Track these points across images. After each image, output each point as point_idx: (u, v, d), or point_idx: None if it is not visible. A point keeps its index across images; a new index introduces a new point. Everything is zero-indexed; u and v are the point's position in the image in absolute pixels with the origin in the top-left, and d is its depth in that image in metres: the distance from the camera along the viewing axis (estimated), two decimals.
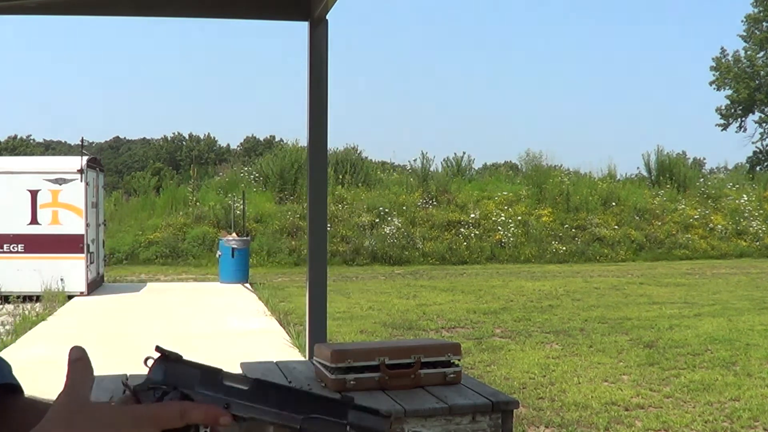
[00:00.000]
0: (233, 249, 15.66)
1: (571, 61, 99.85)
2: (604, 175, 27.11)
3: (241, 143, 63.61)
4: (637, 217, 23.74)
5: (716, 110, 40.08)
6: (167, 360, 0.79)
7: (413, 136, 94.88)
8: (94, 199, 14.32)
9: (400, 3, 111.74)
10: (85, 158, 13.81)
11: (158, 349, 0.80)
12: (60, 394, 0.75)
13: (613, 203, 24.07)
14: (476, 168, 30.99)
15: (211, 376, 0.79)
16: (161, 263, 19.91)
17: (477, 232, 22.28)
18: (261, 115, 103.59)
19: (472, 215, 22.91)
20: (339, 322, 10.33)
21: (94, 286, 14.22)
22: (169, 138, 64.45)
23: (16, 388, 1.05)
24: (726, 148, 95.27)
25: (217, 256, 16.30)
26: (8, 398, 1.03)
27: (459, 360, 3.38)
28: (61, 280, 13.21)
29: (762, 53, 38.57)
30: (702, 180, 27.05)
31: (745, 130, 40.03)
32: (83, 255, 13.50)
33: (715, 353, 8.45)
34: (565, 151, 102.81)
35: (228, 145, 63.53)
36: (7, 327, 10.22)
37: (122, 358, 8.27)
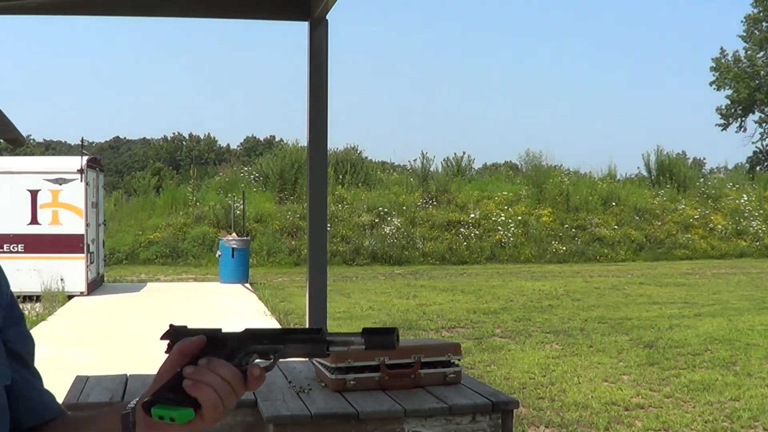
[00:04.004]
0: (233, 249, 15.66)
1: (571, 61, 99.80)
2: (604, 175, 27.11)
3: (241, 143, 63.57)
4: (637, 217, 23.73)
5: (716, 110, 40.03)
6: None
7: (413, 136, 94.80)
8: (94, 199, 14.32)
9: (400, 3, 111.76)
10: (85, 158, 13.81)
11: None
12: None
13: (613, 203, 24.07)
14: (476, 168, 30.97)
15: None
16: (161, 263, 19.91)
17: (477, 232, 22.28)
18: (261, 115, 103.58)
19: (472, 215, 22.91)
20: (339, 322, 10.33)
21: (94, 286, 14.22)
22: (169, 138, 64.37)
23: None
24: (726, 148, 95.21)
25: (217, 256, 16.30)
26: (58, 424, 1.12)
27: (459, 360, 3.38)
28: (61, 280, 13.21)
29: (762, 53, 38.53)
30: (702, 180, 27.03)
31: (745, 130, 39.99)
32: (83, 255, 13.50)
33: (715, 353, 8.45)
34: (565, 151, 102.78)
35: (228, 145, 63.46)
36: None
37: (122, 358, 8.27)
